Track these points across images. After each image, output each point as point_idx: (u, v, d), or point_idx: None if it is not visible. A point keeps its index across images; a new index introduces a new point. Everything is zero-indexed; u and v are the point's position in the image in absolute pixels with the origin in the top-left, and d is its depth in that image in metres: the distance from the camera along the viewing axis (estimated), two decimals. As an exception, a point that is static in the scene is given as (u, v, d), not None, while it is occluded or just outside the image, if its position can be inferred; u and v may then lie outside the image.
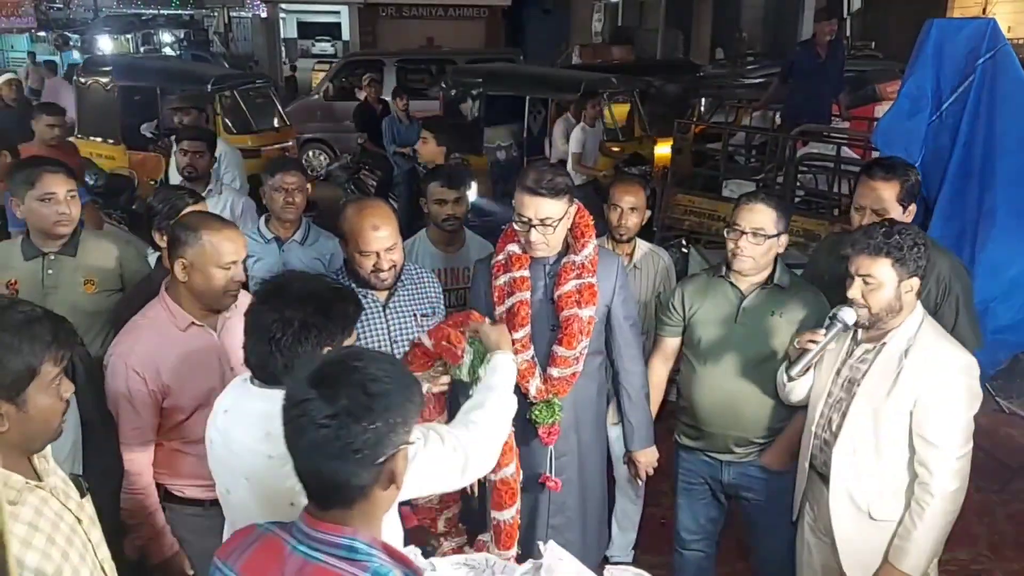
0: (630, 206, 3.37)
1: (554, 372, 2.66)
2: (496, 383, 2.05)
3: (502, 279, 2.69)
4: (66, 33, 22.76)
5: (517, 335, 2.62)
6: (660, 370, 3.00)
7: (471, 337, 2.22)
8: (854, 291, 2.39)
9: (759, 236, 2.68)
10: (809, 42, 7.60)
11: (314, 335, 1.71)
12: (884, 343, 2.43)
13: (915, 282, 2.37)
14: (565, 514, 2.82)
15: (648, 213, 3.52)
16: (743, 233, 2.69)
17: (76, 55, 19.00)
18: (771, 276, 2.78)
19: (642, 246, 3.54)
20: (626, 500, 3.65)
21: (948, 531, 2.43)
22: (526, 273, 2.67)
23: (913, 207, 2.85)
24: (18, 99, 8.00)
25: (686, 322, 2.90)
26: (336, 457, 1.29)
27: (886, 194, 2.78)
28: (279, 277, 1.93)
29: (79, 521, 1.67)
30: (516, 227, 2.63)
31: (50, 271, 2.96)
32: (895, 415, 2.39)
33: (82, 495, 1.73)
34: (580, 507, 2.85)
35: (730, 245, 2.74)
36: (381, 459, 1.32)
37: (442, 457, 1.77)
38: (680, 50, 20.17)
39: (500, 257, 2.73)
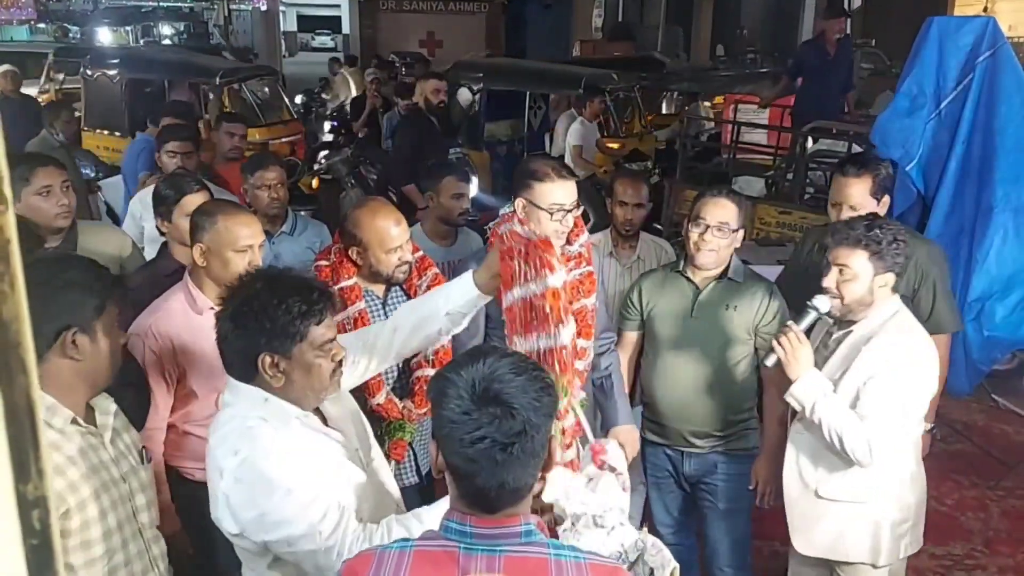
0: (636, 202, 3.38)
1: (579, 364, 2.59)
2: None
3: None
4: (66, 25, 22.70)
5: None
6: (622, 362, 2.98)
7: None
8: (829, 280, 2.40)
9: (724, 230, 2.68)
10: (817, 40, 7.57)
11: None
12: (851, 331, 2.46)
13: (890, 277, 2.38)
14: None
15: (650, 205, 3.54)
16: (708, 227, 2.69)
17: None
18: (725, 270, 2.78)
19: (644, 238, 3.55)
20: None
21: (839, 450, 2.35)
22: None
23: (887, 199, 2.90)
24: (16, 90, 7.97)
25: (644, 317, 2.90)
26: (522, 466, 1.31)
27: (859, 189, 2.84)
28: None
29: (123, 480, 1.76)
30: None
31: None
32: (843, 399, 2.39)
33: (143, 461, 1.85)
34: None
35: (693, 238, 2.72)
36: (543, 455, 1.35)
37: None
38: (680, 46, 20.14)
39: None
